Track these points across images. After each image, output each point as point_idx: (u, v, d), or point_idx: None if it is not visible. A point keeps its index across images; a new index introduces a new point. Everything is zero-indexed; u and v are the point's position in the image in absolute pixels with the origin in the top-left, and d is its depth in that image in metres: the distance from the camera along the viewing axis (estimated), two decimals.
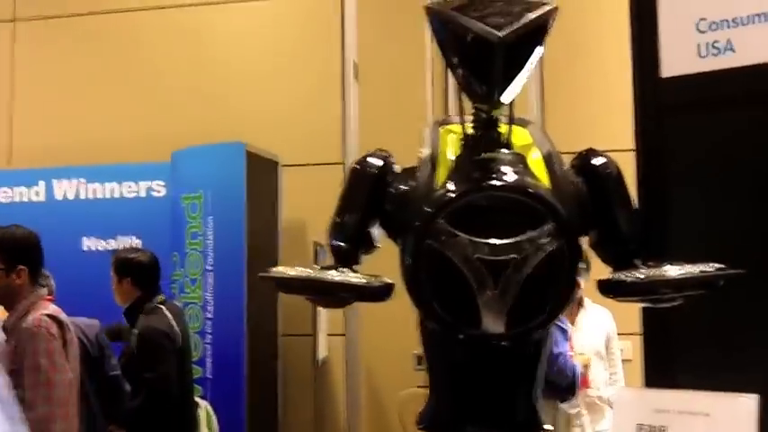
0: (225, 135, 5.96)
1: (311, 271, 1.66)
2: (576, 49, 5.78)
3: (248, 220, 5.77)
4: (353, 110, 6.07)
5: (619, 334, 5.31)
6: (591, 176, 1.73)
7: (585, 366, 4.98)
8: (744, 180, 2.09)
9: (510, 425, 1.60)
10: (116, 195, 6.38)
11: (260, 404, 5.81)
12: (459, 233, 1.56)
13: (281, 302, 6.13)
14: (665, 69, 2.23)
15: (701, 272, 1.60)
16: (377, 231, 1.76)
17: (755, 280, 1.98)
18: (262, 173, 6.06)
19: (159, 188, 6.30)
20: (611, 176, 1.74)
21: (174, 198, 6.09)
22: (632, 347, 5.32)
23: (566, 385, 4.47)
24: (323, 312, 6.08)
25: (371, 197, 1.72)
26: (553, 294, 1.59)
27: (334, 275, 1.65)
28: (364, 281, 1.66)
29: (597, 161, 1.75)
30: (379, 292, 1.67)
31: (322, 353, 6.05)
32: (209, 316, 5.83)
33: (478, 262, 1.54)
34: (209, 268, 5.84)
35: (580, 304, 5.21)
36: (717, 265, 1.61)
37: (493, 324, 1.56)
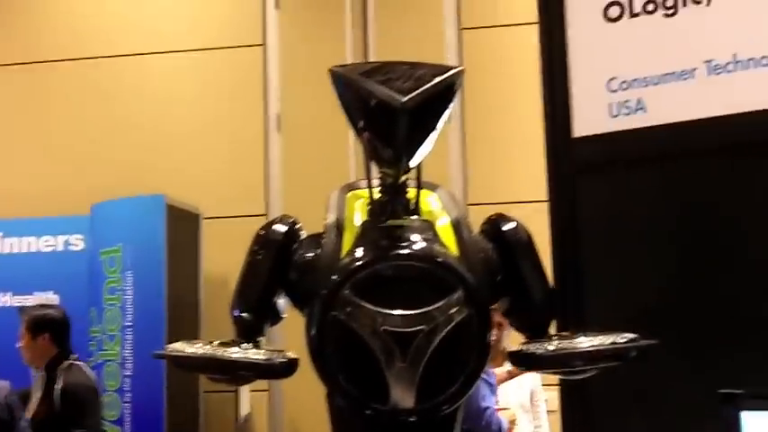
0: (145, 188, 5.87)
1: (210, 348, 1.59)
2: (495, 106, 5.82)
3: (169, 273, 5.66)
4: (276, 162, 6.03)
5: (543, 385, 5.30)
6: (501, 242, 1.70)
7: (512, 422, 4.96)
8: (655, 240, 2.08)
9: None
10: (33, 249, 6.23)
11: None
12: (366, 304, 1.51)
13: None
14: (577, 129, 2.22)
15: (613, 343, 1.57)
16: (282, 301, 1.70)
17: (674, 343, 1.98)
18: (183, 226, 5.98)
19: (77, 242, 6.17)
20: (521, 242, 1.71)
21: (93, 252, 5.96)
22: (557, 399, 5.30)
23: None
24: None
25: (276, 266, 1.67)
26: (464, 365, 1.55)
27: (233, 353, 1.58)
28: (264, 357, 1.60)
29: (507, 227, 1.72)
30: (281, 370, 1.61)
31: (245, 410, 5.95)
32: (128, 373, 5.69)
33: (386, 334, 1.50)
34: (128, 324, 5.71)
35: (504, 357, 5.19)
36: (629, 336, 1.58)
37: (402, 398, 1.51)
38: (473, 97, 5.14)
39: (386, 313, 1.50)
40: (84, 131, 6.60)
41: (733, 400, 1.51)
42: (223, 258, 6.14)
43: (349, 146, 5.84)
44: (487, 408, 4.46)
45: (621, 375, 1.99)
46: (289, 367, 1.60)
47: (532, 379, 5.27)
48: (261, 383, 5.82)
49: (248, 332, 1.64)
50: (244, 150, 6.31)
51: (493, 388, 4.58)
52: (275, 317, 1.71)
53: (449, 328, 1.52)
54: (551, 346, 1.59)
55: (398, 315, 1.50)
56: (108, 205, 5.89)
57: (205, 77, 6.65)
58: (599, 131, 2.19)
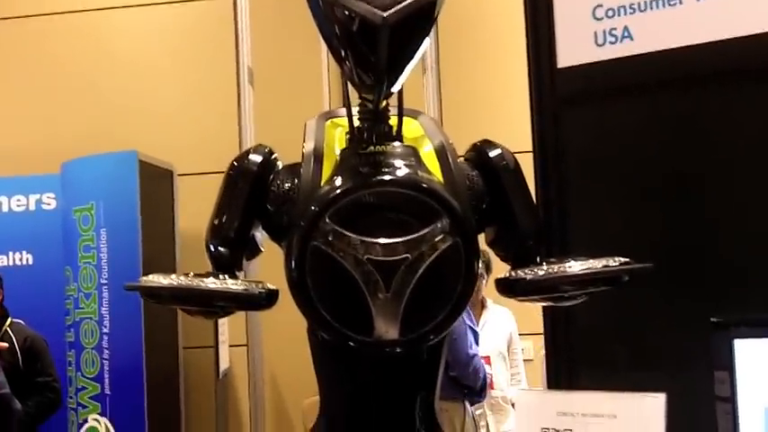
0: (117, 145, 5.77)
1: (185, 279, 1.52)
2: (475, 47, 5.74)
3: (143, 231, 5.58)
4: (249, 116, 5.92)
5: (520, 334, 5.31)
6: (486, 169, 1.63)
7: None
8: (642, 170, 2.02)
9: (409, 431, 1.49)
10: (5, 210, 6.13)
11: (162, 419, 5.66)
12: (347, 232, 1.44)
13: (182, 314, 5.95)
14: (562, 59, 2.16)
15: (605, 267, 1.51)
16: (260, 234, 1.63)
17: (659, 277, 1.93)
18: (156, 182, 5.89)
19: (50, 201, 6.08)
20: (507, 168, 1.64)
21: (65, 211, 5.86)
22: (533, 347, 5.34)
23: (479, 387, 4.47)
24: (224, 323, 5.92)
25: (252, 197, 1.59)
26: (449, 295, 1.48)
27: (210, 283, 1.51)
28: (243, 288, 1.53)
29: (493, 153, 1.64)
30: (260, 300, 1.53)
31: (224, 364, 5.89)
32: (106, 331, 5.63)
33: (369, 263, 1.43)
34: (104, 282, 5.63)
35: (482, 305, 5.22)
36: (621, 260, 1.52)
37: (386, 330, 1.45)
38: (450, 37, 5.04)
39: (368, 242, 1.43)
40: (53, 88, 6.47)
41: (725, 328, 1.46)
42: (198, 215, 5.94)
43: (323, 97, 5.75)
44: (475, 355, 4.48)
45: (608, 306, 1.95)
46: (269, 297, 1.53)
47: (510, 326, 5.29)
48: (240, 338, 5.78)
49: (225, 266, 1.57)
50: (217, 105, 6.21)
51: (477, 336, 4.59)
52: (253, 250, 1.64)
53: (434, 256, 1.45)
54: (541, 271, 1.53)
55: (381, 243, 1.43)
56: (79, 163, 5.79)
57: (175, 31, 6.54)
58: (584, 61, 2.13)
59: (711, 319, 1.50)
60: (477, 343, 4.54)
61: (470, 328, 4.49)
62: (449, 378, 4.34)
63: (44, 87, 6.49)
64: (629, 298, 1.97)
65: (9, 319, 4.89)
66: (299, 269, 1.47)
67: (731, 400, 1.40)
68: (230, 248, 1.59)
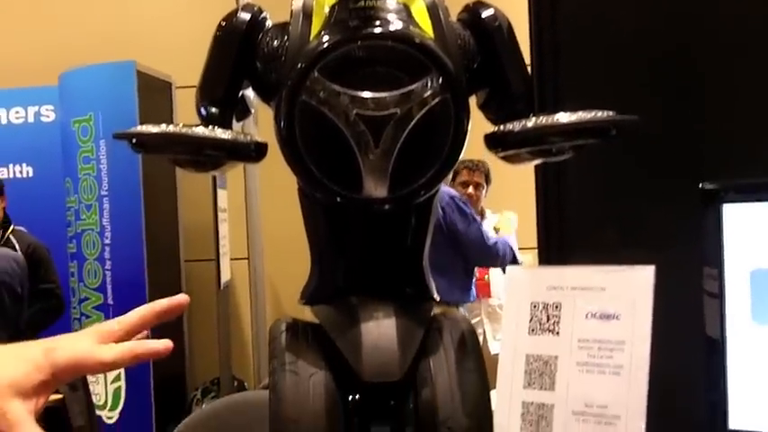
0: (115, 55, 5.73)
1: (174, 127, 1.51)
2: None
3: None
4: None
5: (519, 249, 5.33)
6: (479, 30, 1.60)
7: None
8: (639, 41, 1.98)
9: (397, 294, 1.48)
10: (3, 122, 6.12)
11: (165, 329, 5.66)
12: (336, 86, 1.42)
13: (183, 227, 5.99)
14: None
15: (593, 118, 1.49)
16: (250, 94, 1.62)
17: (652, 151, 1.92)
18: (155, 94, 5.88)
19: (48, 113, 6.07)
20: (500, 30, 1.61)
21: (64, 122, 5.86)
22: (532, 261, 5.36)
23: (512, 259, 4.74)
24: (226, 237, 5.94)
25: (240, 55, 1.57)
26: (438, 152, 1.47)
27: (199, 131, 1.50)
28: (231, 136, 1.52)
29: (486, 13, 1.62)
30: (248, 150, 1.52)
31: (225, 276, 5.92)
32: (107, 242, 5.68)
33: (358, 118, 1.41)
34: (104, 193, 5.66)
35: (482, 215, 5.24)
36: (610, 113, 1.50)
37: (375, 187, 1.44)
38: None
39: (357, 96, 1.41)
40: None
41: (714, 194, 1.45)
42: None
43: None
44: (495, 242, 4.57)
45: (600, 187, 1.94)
46: (258, 148, 1.52)
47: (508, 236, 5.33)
48: (241, 251, 5.80)
49: (215, 123, 1.55)
50: (217, 18, 6.12)
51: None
52: (244, 111, 1.63)
53: (423, 112, 1.43)
54: (530, 123, 1.51)
55: (371, 98, 1.42)
56: (76, 73, 5.77)
57: None
58: None
59: (700, 185, 1.49)
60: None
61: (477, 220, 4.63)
62: (447, 281, 4.39)
63: None
64: (619, 175, 1.96)
65: (11, 227, 4.89)
66: (288, 126, 1.46)
67: (718, 265, 1.39)
68: (219, 107, 1.57)
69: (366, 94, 1.43)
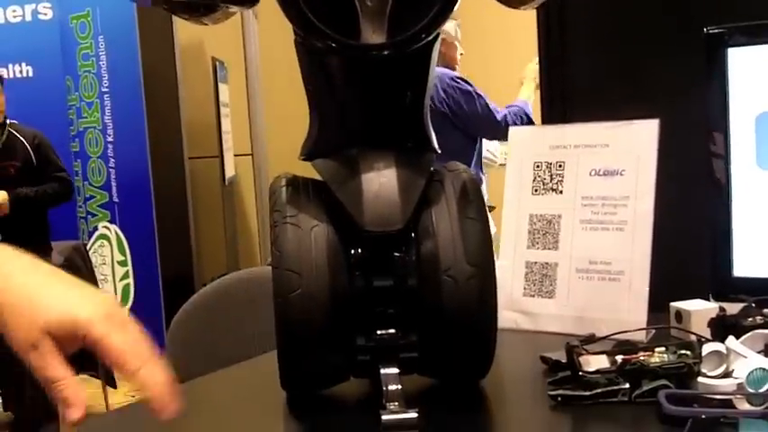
0: None
1: None
2: None
3: (141, 37, 5.51)
4: None
5: None
6: None
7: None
8: None
9: (397, 144, 1.45)
10: (1, 21, 6.03)
11: (171, 225, 5.71)
12: None
13: (185, 123, 5.96)
14: None
15: None
16: None
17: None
18: None
19: (46, 10, 5.96)
20: None
21: (62, 19, 5.78)
22: None
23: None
24: (229, 132, 5.92)
25: None
26: None
27: None
28: None
29: None
30: None
31: (229, 172, 5.92)
32: (110, 139, 5.65)
33: None
34: (105, 90, 5.61)
35: None
36: None
37: (372, 33, 1.40)
38: None
39: None
40: None
41: (720, 36, 1.41)
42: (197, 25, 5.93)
43: None
44: (504, 115, 4.44)
45: (599, 21, 1.90)
46: None
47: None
48: (245, 148, 5.78)
49: None
50: None
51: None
52: None
53: None
54: None
55: None
56: None
57: None
58: None
59: (704, 29, 1.45)
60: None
61: (480, 96, 4.48)
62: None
63: None
64: (622, 27, 1.92)
65: (7, 121, 4.79)
66: None
67: (723, 112, 1.37)
68: None
69: None
